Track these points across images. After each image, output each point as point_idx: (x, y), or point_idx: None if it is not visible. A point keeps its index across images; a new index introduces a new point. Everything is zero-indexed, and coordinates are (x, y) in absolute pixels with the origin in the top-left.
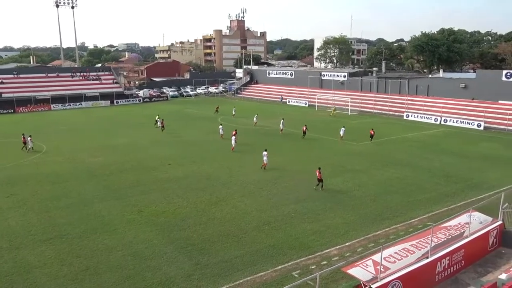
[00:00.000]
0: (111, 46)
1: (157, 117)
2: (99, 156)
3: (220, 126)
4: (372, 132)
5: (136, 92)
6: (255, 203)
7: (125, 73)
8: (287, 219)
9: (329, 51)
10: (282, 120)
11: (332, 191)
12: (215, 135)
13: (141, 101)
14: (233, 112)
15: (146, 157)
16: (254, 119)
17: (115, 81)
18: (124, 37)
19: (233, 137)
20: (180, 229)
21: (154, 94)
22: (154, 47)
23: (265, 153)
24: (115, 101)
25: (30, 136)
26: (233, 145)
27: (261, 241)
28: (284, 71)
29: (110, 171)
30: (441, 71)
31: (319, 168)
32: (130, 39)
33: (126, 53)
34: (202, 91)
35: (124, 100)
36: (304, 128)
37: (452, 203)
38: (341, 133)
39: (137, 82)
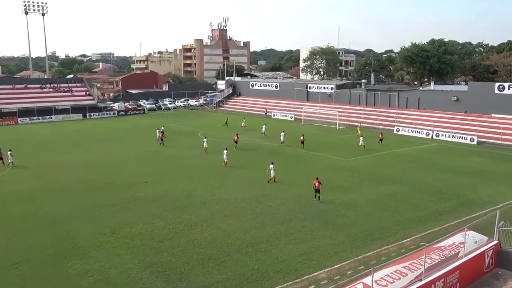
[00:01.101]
0: (84, 55)
1: (162, 127)
2: (70, 173)
3: (205, 139)
4: (381, 136)
5: (111, 105)
6: (238, 224)
7: (98, 85)
8: (272, 240)
9: (315, 62)
10: (283, 133)
11: (320, 210)
12: (195, 150)
13: (116, 114)
14: (243, 124)
15: (122, 174)
16: (263, 129)
17: (88, 93)
18: (98, 46)
19: (225, 151)
20: (157, 252)
21: (130, 107)
22: (130, 57)
23: (271, 166)
24: (87, 114)
25: (10, 150)
26: (225, 160)
27: (244, 264)
28: (269, 83)
29: (82, 189)
30: (432, 83)
31: (317, 178)
32: (104, 49)
33: (100, 63)
34: (181, 104)
35: (97, 114)
36: (302, 138)
37: (446, 221)
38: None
39: (111, 94)
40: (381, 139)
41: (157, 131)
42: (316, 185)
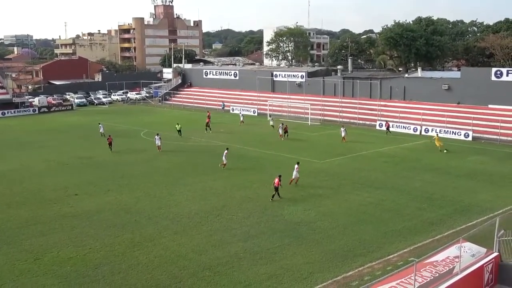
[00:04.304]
0: None
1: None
2: None
3: (157, 137)
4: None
5: (30, 100)
6: (192, 242)
7: (14, 75)
8: (234, 261)
9: (282, 45)
10: (281, 125)
11: (291, 223)
12: (138, 154)
13: (37, 111)
14: (241, 118)
15: (44, 186)
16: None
17: (0, 85)
18: (12, 27)
19: (226, 151)
20: (92, 281)
21: (54, 102)
22: (53, 40)
23: (296, 166)
24: (0, 112)
25: None
26: (224, 161)
27: None
28: (226, 71)
29: None
30: (419, 69)
31: (280, 176)
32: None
33: (15, 48)
34: (119, 98)
35: (13, 111)
36: (286, 127)
37: (438, 232)
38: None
39: (30, 87)
40: (388, 129)
41: (100, 126)
42: (276, 182)
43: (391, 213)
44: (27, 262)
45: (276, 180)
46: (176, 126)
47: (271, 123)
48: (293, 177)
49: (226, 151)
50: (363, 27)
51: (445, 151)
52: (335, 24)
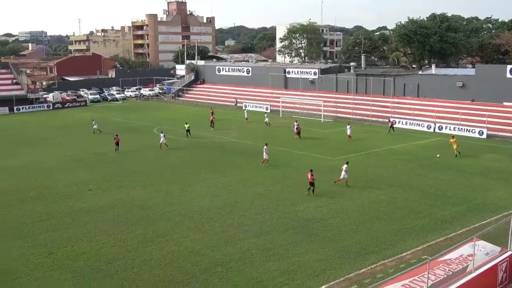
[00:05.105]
0: (9, 35)
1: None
2: None
3: (162, 134)
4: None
5: (44, 96)
6: (204, 238)
7: (28, 71)
8: (246, 257)
9: (295, 41)
10: (295, 123)
11: (303, 220)
12: (150, 150)
13: (51, 107)
14: (266, 119)
15: (58, 181)
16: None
17: (15, 81)
18: (27, 23)
19: (265, 147)
20: (105, 276)
21: (68, 98)
22: (67, 37)
23: (345, 166)
24: (15, 107)
25: None
26: (265, 157)
27: (213, 287)
28: (239, 67)
29: (7, 201)
30: (433, 66)
31: (311, 170)
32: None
33: (30, 44)
34: (132, 94)
35: (27, 107)
36: (298, 128)
37: (452, 230)
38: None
39: (45, 83)
40: (391, 127)
41: (94, 122)
42: (309, 178)
43: (404, 210)
44: (41, 256)
45: (309, 175)
46: (185, 126)
47: (266, 119)
48: (341, 177)
49: (265, 147)
50: (376, 24)
51: (438, 155)
52: (348, 21)
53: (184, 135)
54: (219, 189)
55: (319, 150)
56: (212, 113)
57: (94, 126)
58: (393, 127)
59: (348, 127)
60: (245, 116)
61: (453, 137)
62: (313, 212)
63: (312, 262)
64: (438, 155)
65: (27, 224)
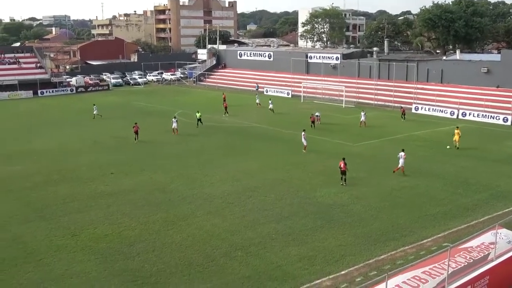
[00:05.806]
0: (33, 19)
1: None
2: (17, 165)
3: (174, 120)
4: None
5: (68, 80)
6: (224, 223)
7: (52, 55)
8: (266, 242)
9: (317, 26)
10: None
11: (323, 205)
12: (171, 135)
13: (74, 91)
14: (270, 105)
15: (81, 164)
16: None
17: (39, 65)
18: (51, 7)
19: (303, 133)
20: (127, 258)
21: (91, 82)
22: (90, 21)
23: (403, 154)
24: (39, 91)
25: None
26: (305, 144)
27: (232, 271)
28: (260, 52)
29: (32, 183)
30: (457, 51)
31: (344, 159)
32: (58, 11)
33: (54, 28)
34: (154, 78)
35: (51, 90)
36: (312, 118)
37: (473, 218)
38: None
39: (68, 67)
40: (403, 114)
41: (94, 107)
42: (342, 166)
43: (425, 197)
44: (65, 238)
45: (342, 163)
46: (197, 114)
47: (271, 106)
48: (399, 165)
49: (303, 133)
50: (400, 8)
51: (447, 147)
52: (371, 5)
53: (205, 120)
54: (240, 173)
55: (340, 136)
56: (224, 98)
57: (95, 112)
58: (404, 115)
59: (362, 113)
60: (257, 101)
61: (457, 127)
62: (333, 198)
63: (331, 247)
64: (448, 147)
65: (51, 206)
